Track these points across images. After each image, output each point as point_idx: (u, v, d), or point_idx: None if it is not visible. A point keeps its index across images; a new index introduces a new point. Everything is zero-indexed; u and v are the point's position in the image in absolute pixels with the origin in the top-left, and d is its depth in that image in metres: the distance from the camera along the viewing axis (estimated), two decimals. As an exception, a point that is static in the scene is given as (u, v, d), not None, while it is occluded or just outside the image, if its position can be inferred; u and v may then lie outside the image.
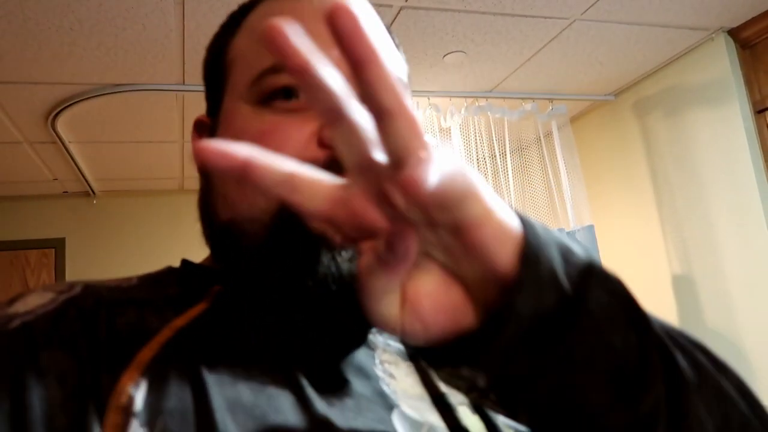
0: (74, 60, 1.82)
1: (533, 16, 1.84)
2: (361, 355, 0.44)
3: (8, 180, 3.00)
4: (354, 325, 0.45)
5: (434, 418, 0.41)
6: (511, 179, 2.36)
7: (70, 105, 2.11)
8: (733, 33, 2.09)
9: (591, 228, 2.28)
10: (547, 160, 2.41)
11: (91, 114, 2.25)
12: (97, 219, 3.48)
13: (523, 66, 2.21)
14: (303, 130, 0.41)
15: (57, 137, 2.41)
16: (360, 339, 0.45)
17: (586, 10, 1.83)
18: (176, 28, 1.70)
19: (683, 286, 2.33)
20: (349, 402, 0.39)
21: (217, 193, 0.45)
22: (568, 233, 2.25)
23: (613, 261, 2.56)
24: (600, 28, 1.97)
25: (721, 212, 2.15)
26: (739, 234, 2.10)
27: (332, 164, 0.39)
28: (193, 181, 3.33)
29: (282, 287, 0.41)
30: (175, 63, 1.91)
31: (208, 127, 0.49)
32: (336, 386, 0.40)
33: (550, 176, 2.41)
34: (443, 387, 0.44)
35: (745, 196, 2.07)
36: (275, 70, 0.42)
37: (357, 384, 0.41)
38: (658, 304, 2.42)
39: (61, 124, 2.30)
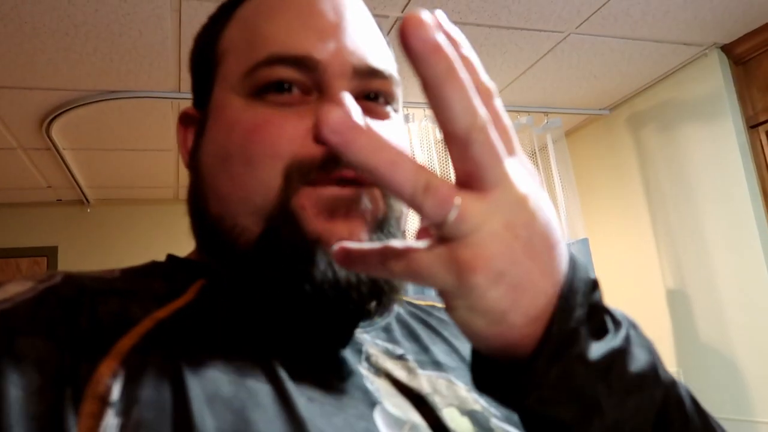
0: (69, 65, 1.82)
1: (528, 29, 1.85)
2: (345, 351, 0.43)
3: (1, 187, 2.99)
4: (342, 327, 0.44)
5: (417, 417, 0.40)
6: (505, 192, 2.36)
7: (65, 111, 2.11)
8: (727, 49, 2.11)
9: (585, 241, 2.28)
10: (541, 174, 2.42)
11: (86, 121, 2.25)
12: (90, 228, 3.46)
13: (518, 79, 2.22)
14: (298, 125, 0.41)
15: (51, 144, 2.40)
16: (346, 340, 0.44)
17: (580, 24, 1.85)
18: (172, 35, 1.70)
19: (677, 301, 2.32)
20: (330, 398, 0.38)
21: (208, 186, 0.45)
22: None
23: (607, 275, 2.56)
24: (594, 42, 1.98)
25: (715, 227, 2.15)
26: (732, 248, 2.10)
27: (329, 161, 0.40)
28: (187, 190, 3.32)
29: (277, 288, 0.41)
30: (171, 70, 1.91)
31: (195, 119, 0.49)
32: (318, 382, 0.39)
33: (545, 189, 2.41)
34: (428, 388, 0.44)
35: (738, 210, 2.07)
36: (269, 62, 0.42)
37: (339, 380, 0.40)
38: (652, 318, 2.41)
39: (55, 131, 2.30)
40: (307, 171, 0.40)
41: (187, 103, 1.94)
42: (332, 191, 0.40)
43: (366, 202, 0.41)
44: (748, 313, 2.05)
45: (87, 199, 3.34)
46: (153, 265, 0.48)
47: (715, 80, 2.14)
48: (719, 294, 2.14)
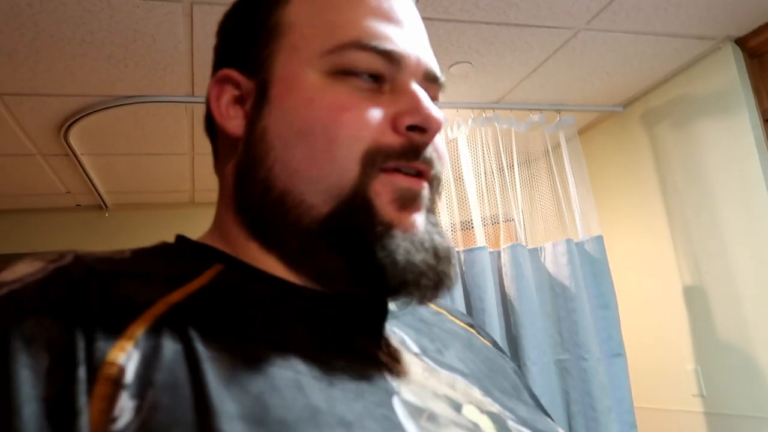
0: (85, 72, 1.85)
1: (537, 26, 1.85)
2: (367, 338, 0.44)
3: (22, 193, 3.04)
4: (373, 316, 0.46)
5: (435, 406, 0.41)
6: (519, 191, 2.36)
7: (82, 117, 2.15)
8: (741, 42, 2.08)
9: (600, 239, 2.26)
10: (555, 172, 2.40)
11: (103, 126, 2.29)
12: (109, 232, 3.50)
13: (529, 77, 2.21)
14: (380, 115, 0.43)
15: (70, 149, 2.44)
16: (376, 329, 0.45)
17: (590, 20, 1.84)
18: (185, 40, 1.73)
19: (694, 297, 2.29)
20: (349, 384, 0.38)
21: (277, 158, 0.45)
22: (576, 244, 2.23)
23: (622, 272, 2.54)
24: (605, 38, 1.97)
25: (732, 222, 2.13)
26: (750, 243, 2.07)
27: (407, 151, 0.43)
28: (203, 194, 3.35)
29: (350, 269, 0.42)
30: (184, 75, 1.94)
31: (244, 85, 0.48)
32: (338, 367, 0.39)
33: (559, 188, 2.40)
34: (447, 384, 0.44)
35: (755, 205, 2.04)
36: (357, 46, 0.44)
37: (359, 368, 0.40)
38: (669, 315, 2.39)
39: (73, 137, 2.34)
40: (385, 158, 0.43)
41: (200, 108, 1.94)
42: (406, 182, 0.43)
43: (425, 195, 0.45)
44: (766, 308, 2.02)
45: (105, 204, 3.38)
46: (164, 247, 0.48)
47: (729, 74, 2.11)
48: (737, 289, 2.12)
